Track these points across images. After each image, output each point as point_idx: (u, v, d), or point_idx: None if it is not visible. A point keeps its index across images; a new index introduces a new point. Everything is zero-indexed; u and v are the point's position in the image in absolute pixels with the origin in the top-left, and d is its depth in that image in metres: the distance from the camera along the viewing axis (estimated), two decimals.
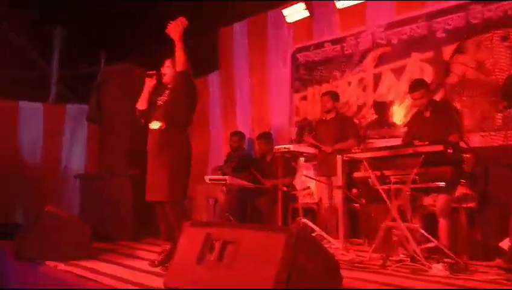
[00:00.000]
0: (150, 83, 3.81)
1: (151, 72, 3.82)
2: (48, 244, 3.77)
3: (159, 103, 3.78)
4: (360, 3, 5.79)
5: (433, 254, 3.52)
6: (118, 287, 2.84)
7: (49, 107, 9.10)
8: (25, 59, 11.14)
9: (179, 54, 3.62)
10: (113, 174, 5.67)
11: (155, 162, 3.66)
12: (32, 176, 8.22)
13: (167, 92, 3.81)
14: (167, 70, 3.80)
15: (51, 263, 3.60)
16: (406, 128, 4.61)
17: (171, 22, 3.65)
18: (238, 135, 6.37)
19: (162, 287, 2.50)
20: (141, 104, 3.81)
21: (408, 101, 5.22)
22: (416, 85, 4.09)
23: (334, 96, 5.21)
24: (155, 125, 3.70)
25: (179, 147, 3.68)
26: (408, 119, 4.99)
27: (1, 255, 4.47)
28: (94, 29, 12.17)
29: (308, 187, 5.50)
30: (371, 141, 5.46)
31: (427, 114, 4.07)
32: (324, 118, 5.28)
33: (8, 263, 4.11)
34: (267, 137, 6.03)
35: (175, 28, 3.62)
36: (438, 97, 4.81)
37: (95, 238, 4.30)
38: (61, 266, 3.51)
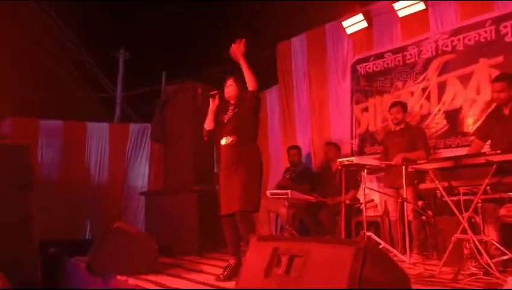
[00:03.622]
0: (213, 103, 3.92)
1: (213, 92, 3.92)
2: (118, 259, 3.91)
3: (226, 119, 3.89)
4: (423, 10, 5.67)
5: (508, 267, 3.35)
6: None
7: (114, 127, 9.47)
8: (94, 81, 11.76)
9: (248, 73, 3.75)
10: (179, 191, 5.79)
11: (230, 176, 3.75)
12: (99, 194, 8.59)
13: (231, 108, 3.91)
14: (230, 88, 3.91)
15: (121, 278, 3.73)
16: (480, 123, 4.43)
17: (232, 44, 3.80)
18: (297, 148, 6.38)
19: None
20: (208, 125, 3.93)
21: (476, 109, 5.04)
22: (500, 76, 3.93)
23: (404, 107, 5.02)
24: (226, 141, 3.82)
25: (252, 159, 3.75)
26: (476, 127, 4.85)
27: (75, 271, 4.70)
28: (155, 50, 12.67)
29: (372, 200, 5.41)
30: (439, 151, 5.29)
31: (507, 111, 3.88)
32: (394, 130, 5.08)
33: (81, 278, 4.31)
34: (336, 144, 6.04)
35: (237, 50, 3.78)
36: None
37: (160, 254, 4.41)
38: (131, 281, 3.63)
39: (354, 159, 4.47)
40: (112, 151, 8.97)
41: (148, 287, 3.37)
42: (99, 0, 11.91)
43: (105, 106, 12.48)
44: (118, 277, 3.76)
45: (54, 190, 7.98)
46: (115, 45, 12.26)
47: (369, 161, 4.70)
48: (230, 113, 3.90)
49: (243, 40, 3.81)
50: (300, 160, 6.38)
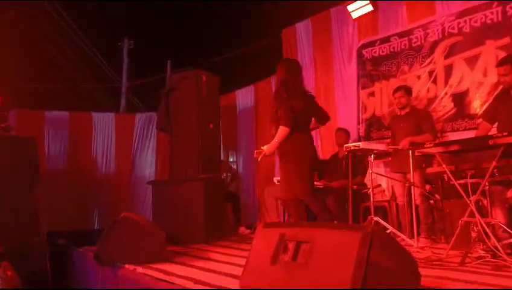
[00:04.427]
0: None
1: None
2: (126, 248, 3.91)
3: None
4: None
5: None
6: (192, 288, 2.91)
7: (120, 117, 9.45)
8: (99, 72, 11.74)
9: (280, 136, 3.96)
10: (185, 179, 5.78)
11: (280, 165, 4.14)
12: (106, 184, 8.62)
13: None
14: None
15: (130, 267, 3.74)
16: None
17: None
18: None
19: (238, 287, 2.53)
20: None
21: (483, 91, 4.99)
22: (504, 60, 3.90)
23: (408, 91, 4.96)
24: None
25: (289, 150, 3.99)
26: (483, 110, 4.79)
27: (83, 261, 4.73)
28: (160, 39, 12.59)
29: (379, 185, 5.39)
30: (447, 134, 5.25)
31: None
32: (399, 114, 5.04)
33: (90, 267, 4.33)
34: (346, 130, 6.04)
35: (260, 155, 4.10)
36: None
37: (168, 242, 4.42)
38: (139, 269, 3.63)
39: (361, 144, 4.43)
40: (119, 142, 8.98)
41: (156, 276, 3.39)
42: None
43: (111, 96, 12.49)
44: (126, 266, 3.78)
45: (61, 181, 8.03)
46: (120, 35, 12.22)
47: (376, 145, 4.66)
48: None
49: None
50: None
